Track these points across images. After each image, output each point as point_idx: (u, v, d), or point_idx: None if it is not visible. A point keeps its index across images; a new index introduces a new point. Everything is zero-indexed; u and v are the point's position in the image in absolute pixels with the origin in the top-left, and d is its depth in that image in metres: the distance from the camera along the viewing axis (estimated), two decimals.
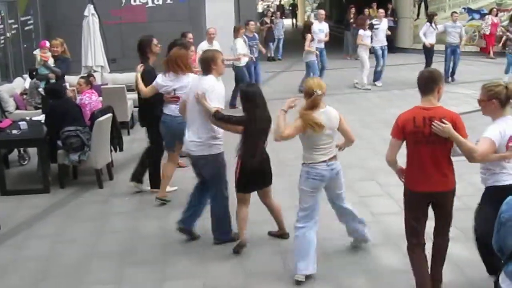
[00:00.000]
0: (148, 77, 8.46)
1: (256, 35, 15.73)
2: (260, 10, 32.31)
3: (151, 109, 8.47)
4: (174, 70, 8.03)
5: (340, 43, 25.14)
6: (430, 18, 18.23)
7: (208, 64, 6.91)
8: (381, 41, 17.63)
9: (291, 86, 17.68)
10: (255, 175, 6.72)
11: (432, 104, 5.46)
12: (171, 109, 8.15)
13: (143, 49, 8.80)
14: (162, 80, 8.15)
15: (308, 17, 36.70)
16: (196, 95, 6.74)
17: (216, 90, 6.79)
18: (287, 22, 37.80)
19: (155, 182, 8.76)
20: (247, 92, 6.76)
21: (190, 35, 12.13)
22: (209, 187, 7.07)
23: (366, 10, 22.98)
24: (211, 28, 13.42)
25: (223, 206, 7.09)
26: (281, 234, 7.26)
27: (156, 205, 8.42)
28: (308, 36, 15.97)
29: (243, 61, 14.54)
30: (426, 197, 5.49)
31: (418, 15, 24.69)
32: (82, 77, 10.72)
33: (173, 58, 8.12)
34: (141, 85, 8.41)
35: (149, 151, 8.90)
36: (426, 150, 5.37)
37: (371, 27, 17.58)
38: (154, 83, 8.26)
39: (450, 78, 17.57)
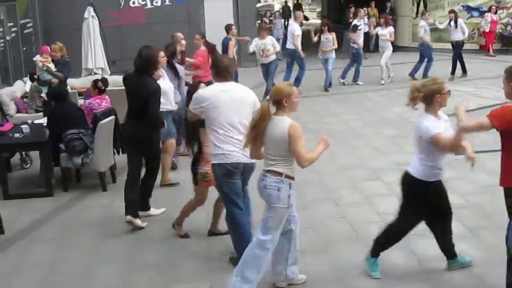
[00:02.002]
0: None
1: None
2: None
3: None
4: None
5: (338, 43, 25.05)
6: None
7: None
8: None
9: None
10: None
11: None
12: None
13: (150, 66, 7.69)
14: None
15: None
16: None
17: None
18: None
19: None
20: None
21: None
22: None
23: (365, 9, 22.92)
24: (196, 35, 13.22)
25: None
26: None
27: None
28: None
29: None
30: None
31: (417, 13, 24.64)
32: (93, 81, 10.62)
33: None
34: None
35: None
36: None
37: (355, 28, 17.78)
38: None
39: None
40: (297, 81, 15.89)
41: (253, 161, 6.18)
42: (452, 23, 17.88)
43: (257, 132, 5.53)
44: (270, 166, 5.61)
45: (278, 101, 5.53)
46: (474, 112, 13.24)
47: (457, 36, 17.88)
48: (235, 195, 6.29)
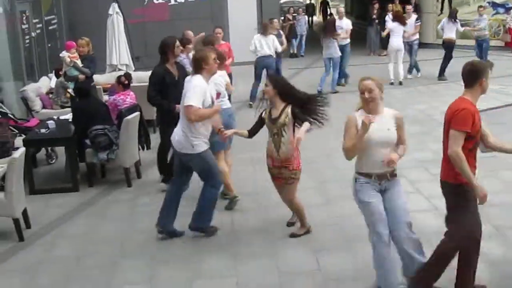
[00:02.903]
0: (156, 79, 8.53)
1: (281, 32, 15.73)
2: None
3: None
4: None
5: (362, 39, 24.98)
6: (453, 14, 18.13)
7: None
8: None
9: (314, 83, 17.63)
10: None
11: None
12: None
13: (165, 51, 8.66)
14: None
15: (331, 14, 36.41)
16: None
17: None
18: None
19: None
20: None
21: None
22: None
23: (390, 5, 22.80)
24: (217, 28, 13.33)
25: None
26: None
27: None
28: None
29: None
30: None
31: (441, 10, 24.46)
32: (117, 77, 10.68)
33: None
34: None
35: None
36: None
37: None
38: None
39: None
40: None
41: None
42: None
43: None
44: None
45: None
46: (499, 110, 13.27)
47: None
48: None
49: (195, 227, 7.31)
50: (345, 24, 17.23)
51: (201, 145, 6.98)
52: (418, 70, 18.31)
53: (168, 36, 8.87)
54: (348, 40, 17.26)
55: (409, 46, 17.78)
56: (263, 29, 15.28)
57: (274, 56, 15.13)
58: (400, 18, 17.84)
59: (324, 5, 39.56)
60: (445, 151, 5.43)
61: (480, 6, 18.51)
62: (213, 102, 7.11)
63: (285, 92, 6.81)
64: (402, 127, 5.63)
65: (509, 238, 6.91)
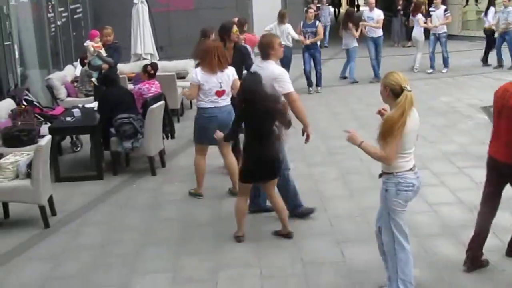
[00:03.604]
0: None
1: (317, 22, 15.48)
2: None
3: None
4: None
5: (387, 30, 24.83)
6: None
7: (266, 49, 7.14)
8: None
9: (338, 73, 17.59)
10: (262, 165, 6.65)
11: None
12: (213, 101, 7.93)
13: (221, 35, 9.13)
14: None
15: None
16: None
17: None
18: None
19: None
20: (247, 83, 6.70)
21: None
22: None
23: None
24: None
25: None
26: (285, 234, 7.03)
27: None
28: (350, 25, 16.17)
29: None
30: None
31: (467, 1, 24.25)
32: (143, 66, 10.70)
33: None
34: None
35: None
36: None
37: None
38: None
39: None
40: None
41: None
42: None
43: None
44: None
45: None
46: None
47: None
48: None
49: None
50: (376, 15, 16.70)
51: None
52: (445, 65, 17.85)
53: (227, 21, 9.57)
54: (381, 33, 16.76)
55: (436, 39, 17.55)
56: (280, 18, 15.04)
57: (291, 46, 14.89)
58: (415, 8, 17.86)
59: None
60: (504, 135, 5.46)
61: None
62: None
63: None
64: None
65: None
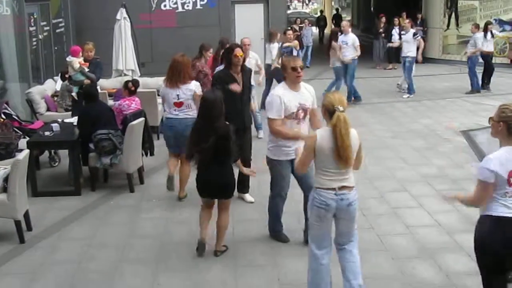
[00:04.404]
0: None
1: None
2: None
3: None
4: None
5: (368, 52, 25.05)
6: (486, 26, 18.18)
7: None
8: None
9: (320, 94, 17.63)
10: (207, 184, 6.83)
11: None
12: (173, 112, 8.67)
13: (226, 57, 8.44)
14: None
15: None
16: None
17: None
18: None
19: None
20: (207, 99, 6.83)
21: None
22: None
23: (396, 19, 22.81)
24: (245, 39, 12.78)
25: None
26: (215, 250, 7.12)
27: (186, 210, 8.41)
28: (335, 44, 16.09)
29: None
30: None
31: (448, 25, 24.49)
32: (125, 82, 10.65)
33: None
34: None
35: None
36: None
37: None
38: None
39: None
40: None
41: None
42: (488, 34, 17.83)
43: None
44: (346, 181, 5.49)
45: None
46: None
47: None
48: None
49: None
50: (351, 40, 16.10)
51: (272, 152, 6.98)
52: (409, 91, 17.57)
53: (233, 43, 9.37)
54: (350, 57, 16.16)
55: (403, 62, 17.66)
56: (269, 37, 15.22)
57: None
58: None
59: (337, 18, 38.42)
60: None
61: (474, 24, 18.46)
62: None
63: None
64: None
65: None
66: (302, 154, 5.58)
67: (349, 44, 16.08)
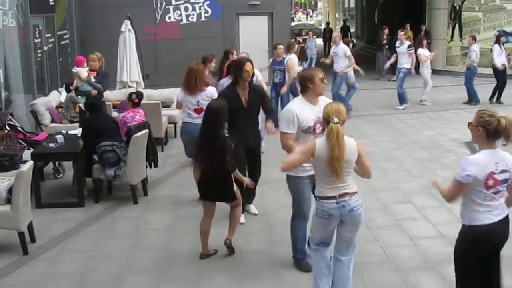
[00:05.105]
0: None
1: (285, 59, 14.47)
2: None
3: None
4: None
5: (372, 63, 25.11)
6: (498, 39, 18.31)
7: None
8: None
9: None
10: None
11: None
12: (192, 117, 8.95)
13: (235, 71, 8.23)
14: None
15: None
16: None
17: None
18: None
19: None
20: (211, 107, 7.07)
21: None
22: None
23: (400, 31, 22.81)
24: (244, 54, 12.52)
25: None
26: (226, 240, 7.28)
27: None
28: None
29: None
30: None
31: (452, 37, 24.53)
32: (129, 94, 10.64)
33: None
34: None
35: None
36: None
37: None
38: None
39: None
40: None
41: None
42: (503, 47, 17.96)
43: None
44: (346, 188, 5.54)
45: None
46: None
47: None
48: None
49: None
50: (341, 51, 15.99)
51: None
52: (401, 102, 17.56)
53: (242, 57, 9.29)
54: (341, 68, 16.01)
55: (397, 73, 17.71)
56: (287, 48, 14.82)
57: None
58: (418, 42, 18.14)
59: (345, 30, 37.79)
60: None
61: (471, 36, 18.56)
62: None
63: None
64: None
65: None
66: (297, 153, 5.61)
67: (339, 55, 16.04)
